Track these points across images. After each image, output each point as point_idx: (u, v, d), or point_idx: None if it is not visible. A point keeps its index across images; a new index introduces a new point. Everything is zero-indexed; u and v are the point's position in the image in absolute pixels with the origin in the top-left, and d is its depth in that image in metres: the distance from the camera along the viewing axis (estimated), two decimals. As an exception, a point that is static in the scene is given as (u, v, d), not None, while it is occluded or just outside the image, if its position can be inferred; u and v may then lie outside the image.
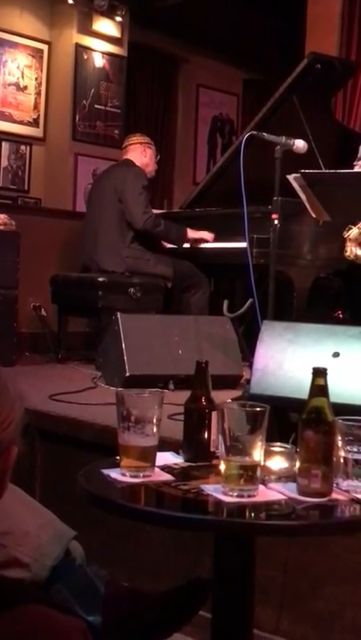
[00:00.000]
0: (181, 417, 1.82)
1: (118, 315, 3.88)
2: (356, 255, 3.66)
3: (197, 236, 4.89)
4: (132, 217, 4.76)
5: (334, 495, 1.51)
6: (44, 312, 5.27)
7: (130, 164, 4.98)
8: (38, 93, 6.88)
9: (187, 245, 4.92)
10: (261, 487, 1.51)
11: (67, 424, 3.11)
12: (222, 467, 1.49)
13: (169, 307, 4.84)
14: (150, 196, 5.05)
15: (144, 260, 4.79)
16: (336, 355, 2.40)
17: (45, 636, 1.17)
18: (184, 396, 1.82)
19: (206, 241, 4.89)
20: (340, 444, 1.52)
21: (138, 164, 4.97)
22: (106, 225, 4.82)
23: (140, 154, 5.02)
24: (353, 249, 3.65)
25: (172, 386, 3.65)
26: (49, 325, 5.16)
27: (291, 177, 3.30)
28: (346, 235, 3.68)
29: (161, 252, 4.93)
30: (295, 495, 1.50)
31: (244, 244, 4.10)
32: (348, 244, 3.66)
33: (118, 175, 4.90)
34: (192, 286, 4.90)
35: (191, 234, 4.89)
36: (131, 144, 5.09)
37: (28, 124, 6.82)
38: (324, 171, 4.11)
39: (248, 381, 2.81)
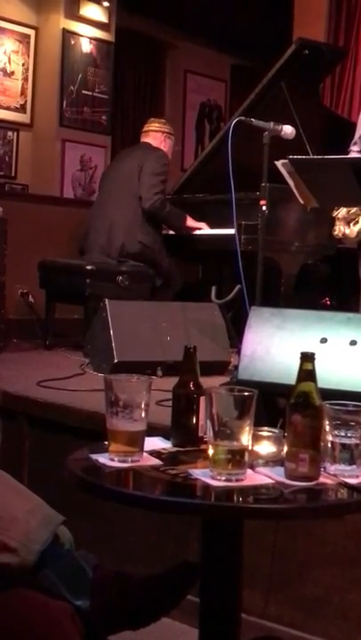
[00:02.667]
0: (170, 403, 1.82)
1: (106, 301, 3.87)
2: (344, 234, 3.67)
3: (195, 225, 4.86)
4: (143, 195, 4.74)
5: (322, 479, 1.51)
6: (31, 299, 5.26)
7: (150, 147, 4.95)
8: (25, 79, 6.83)
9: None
10: (249, 471, 1.51)
11: (55, 410, 3.12)
12: (210, 451, 1.49)
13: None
14: (166, 182, 5.01)
15: (153, 251, 4.77)
16: (324, 340, 2.40)
17: (34, 620, 1.18)
18: (172, 382, 1.82)
19: (198, 229, 4.86)
20: (327, 428, 1.53)
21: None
22: (127, 205, 4.78)
23: (160, 143, 4.99)
24: (341, 227, 3.66)
25: (160, 372, 3.65)
26: (37, 312, 5.15)
27: (279, 163, 3.30)
28: (335, 214, 3.69)
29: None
30: (283, 479, 1.50)
31: (232, 231, 4.10)
32: (337, 222, 3.68)
33: (142, 156, 4.85)
34: (168, 281, 4.90)
35: (190, 222, 4.86)
36: (152, 130, 5.04)
37: (15, 109, 6.78)
38: (311, 157, 4.11)
39: (236, 367, 2.81)
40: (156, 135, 5.02)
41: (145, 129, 5.11)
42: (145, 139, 5.07)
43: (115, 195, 4.88)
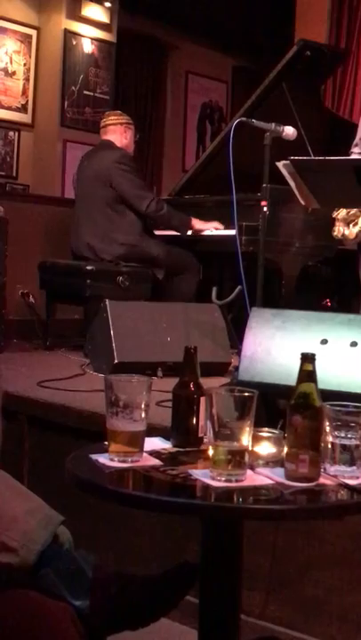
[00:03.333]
0: (170, 404, 1.82)
1: (107, 301, 3.87)
2: (343, 235, 3.67)
3: (206, 227, 4.78)
4: (134, 204, 4.68)
5: (322, 480, 1.51)
6: (32, 299, 5.26)
7: (111, 146, 4.87)
8: (27, 79, 6.84)
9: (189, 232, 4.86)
10: (249, 472, 1.51)
11: (55, 410, 3.12)
12: (211, 452, 1.49)
13: (157, 297, 4.81)
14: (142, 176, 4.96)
15: (140, 248, 4.76)
16: (324, 342, 2.40)
17: (34, 621, 1.18)
18: (172, 382, 1.82)
19: (204, 230, 4.80)
20: (327, 429, 1.53)
21: (118, 145, 4.88)
22: (96, 212, 4.74)
23: (121, 135, 4.90)
24: (341, 228, 3.67)
25: (160, 373, 3.65)
26: (37, 312, 5.15)
27: (280, 164, 3.30)
28: (335, 214, 3.69)
29: (154, 236, 4.89)
30: (283, 480, 1.50)
31: (232, 232, 4.10)
32: (337, 223, 3.68)
33: (101, 159, 4.78)
34: (182, 269, 4.86)
35: (198, 225, 4.79)
36: (110, 124, 4.94)
37: (17, 109, 6.79)
38: (313, 157, 4.11)
39: (236, 368, 2.81)
40: (115, 129, 4.92)
41: (102, 124, 5.00)
42: (104, 135, 4.95)
43: (82, 206, 4.84)
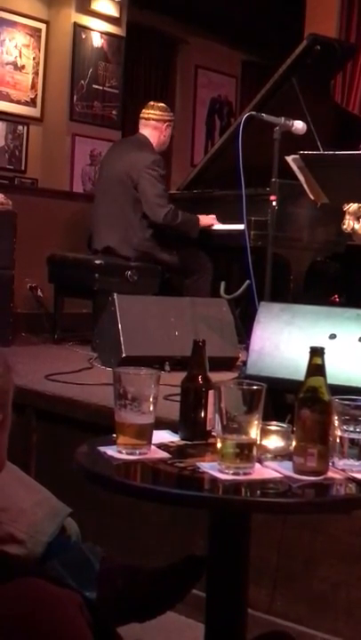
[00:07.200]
0: (177, 398, 1.82)
1: (115, 295, 3.87)
2: (353, 229, 3.68)
3: (207, 223, 4.79)
4: (152, 212, 4.66)
5: (330, 474, 1.51)
6: (40, 293, 5.27)
7: (146, 145, 4.83)
8: (36, 73, 6.83)
9: None
10: (257, 465, 1.51)
11: (62, 404, 3.12)
12: (219, 445, 1.49)
13: (167, 293, 4.81)
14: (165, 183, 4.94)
15: (152, 253, 4.75)
16: (333, 336, 2.40)
17: (42, 609, 1.17)
18: (180, 377, 1.81)
19: (212, 225, 4.81)
20: (336, 423, 1.53)
21: (154, 142, 4.85)
22: (117, 210, 4.73)
23: (160, 132, 4.86)
24: (350, 222, 3.67)
25: (168, 367, 3.65)
26: (45, 306, 5.16)
27: (289, 158, 3.29)
28: (346, 208, 3.69)
29: (167, 239, 4.87)
30: (291, 473, 1.50)
31: (241, 226, 4.10)
32: (347, 217, 3.68)
33: (133, 161, 4.74)
34: (195, 271, 4.85)
35: (203, 221, 4.78)
36: (153, 118, 4.88)
37: (26, 103, 6.78)
38: (322, 152, 4.10)
39: (244, 363, 2.81)
40: (157, 124, 4.87)
41: (145, 115, 4.92)
42: (144, 128, 4.90)
43: (103, 201, 4.83)
